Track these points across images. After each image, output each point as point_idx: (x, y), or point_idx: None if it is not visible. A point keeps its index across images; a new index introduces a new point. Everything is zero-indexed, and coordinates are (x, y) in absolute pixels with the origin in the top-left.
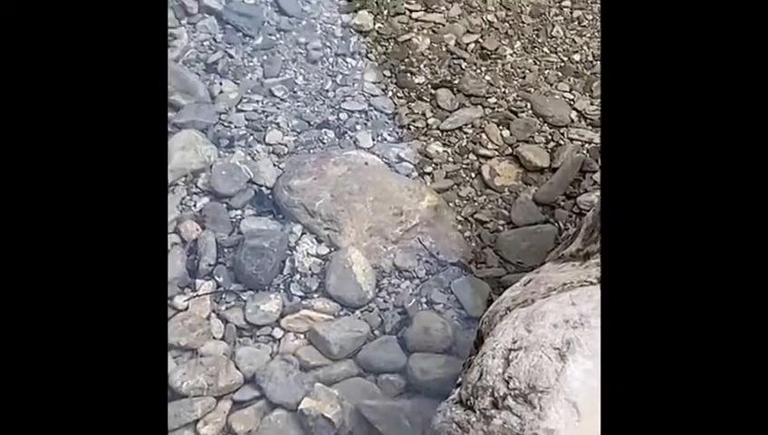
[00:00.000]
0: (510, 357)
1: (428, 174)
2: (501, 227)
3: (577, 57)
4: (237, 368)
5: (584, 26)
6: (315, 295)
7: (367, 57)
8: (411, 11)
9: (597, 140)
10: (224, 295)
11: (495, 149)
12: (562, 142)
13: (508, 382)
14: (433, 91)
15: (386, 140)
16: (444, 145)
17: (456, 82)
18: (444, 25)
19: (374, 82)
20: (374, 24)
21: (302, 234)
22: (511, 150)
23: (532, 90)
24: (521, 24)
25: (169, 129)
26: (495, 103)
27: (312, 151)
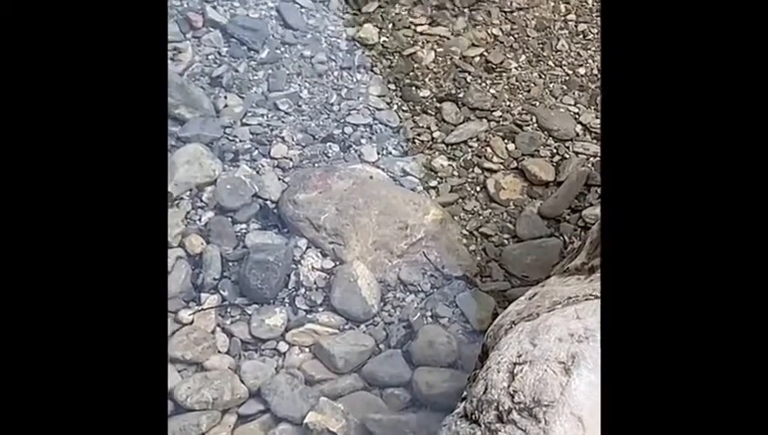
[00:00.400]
0: (515, 371)
1: (433, 188)
2: (506, 241)
3: (582, 71)
4: (242, 382)
5: (589, 40)
6: (320, 309)
7: (372, 71)
8: (416, 24)
9: None
10: (229, 309)
11: (500, 163)
12: (567, 156)
13: (513, 396)
14: (438, 105)
15: (391, 153)
16: (449, 159)
17: (460, 95)
18: (449, 39)
19: (379, 96)
20: (379, 37)
21: (307, 248)
22: (516, 164)
23: (537, 103)
24: (526, 38)
25: (174, 143)
26: (500, 117)
27: (316, 165)
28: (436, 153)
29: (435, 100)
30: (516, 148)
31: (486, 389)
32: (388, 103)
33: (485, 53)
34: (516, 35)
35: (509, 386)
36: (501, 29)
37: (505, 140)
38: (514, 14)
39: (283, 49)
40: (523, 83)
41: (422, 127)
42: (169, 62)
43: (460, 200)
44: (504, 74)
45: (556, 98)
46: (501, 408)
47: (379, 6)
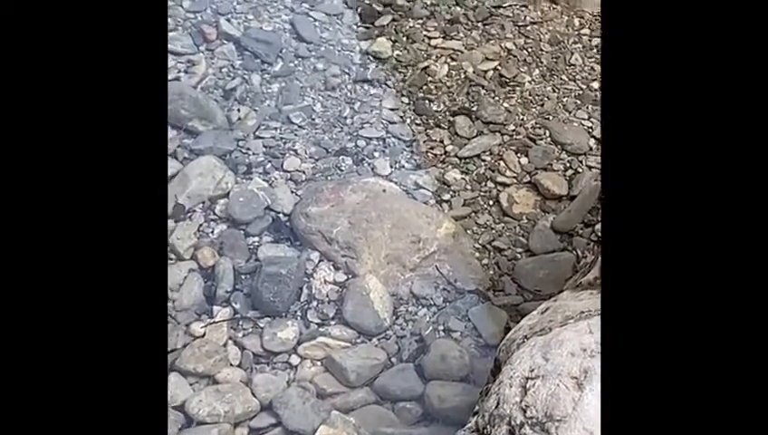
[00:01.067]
0: (527, 386)
1: (446, 201)
2: (519, 255)
3: (595, 85)
4: (254, 395)
5: None
6: (332, 323)
7: (385, 84)
8: (430, 38)
9: None
10: (241, 322)
11: (513, 177)
12: (581, 170)
13: (525, 411)
14: (451, 119)
15: (404, 167)
16: (462, 172)
17: (474, 109)
18: (462, 53)
19: (392, 109)
20: (392, 50)
21: (320, 261)
22: (529, 178)
23: (551, 117)
24: (539, 52)
25: (187, 155)
26: (514, 131)
27: (329, 178)
28: (449, 167)
29: (448, 113)
30: (529, 162)
31: (498, 403)
32: (401, 117)
33: (499, 67)
34: (530, 49)
35: (521, 401)
36: (514, 43)
37: (518, 154)
38: (528, 28)
39: (296, 62)
40: (536, 97)
41: (435, 140)
42: (183, 74)
43: (473, 214)
44: (517, 88)
45: (569, 112)
46: (513, 422)
47: (393, 20)
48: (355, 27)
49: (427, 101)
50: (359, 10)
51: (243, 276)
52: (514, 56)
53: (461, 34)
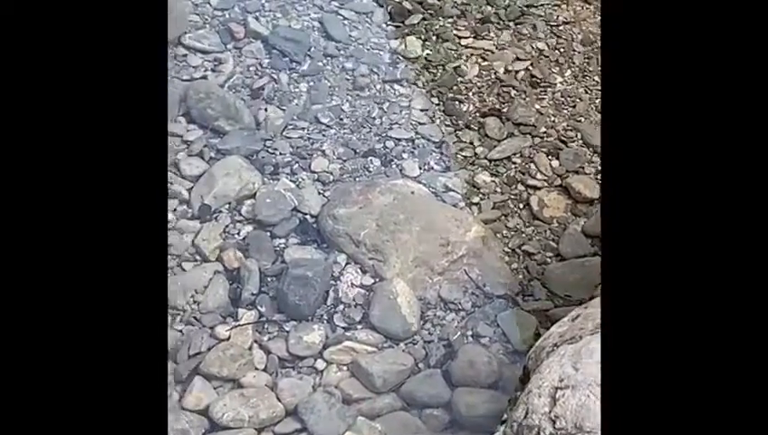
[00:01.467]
0: (556, 396)
1: (476, 204)
2: (549, 260)
3: None
4: (279, 400)
5: None
6: (359, 327)
7: (414, 84)
8: (460, 38)
9: None
10: (266, 325)
11: (544, 180)
12: None
13: (554, 422)
14: (481, 120)
15: (433, 168)
16: (492, 175)
17: (504, 110)
18: (493, 53)
19: (422, 110)
20: (422, 50)
21: (347, 264)
22: (560, 181)
23: (583, 119)
24: (572, 53)
25: (214, 155)
26: (545, 133)
27: (357, 180)
28: (479, 169)
29: (478, 114)
30: (560, 164)
31: (527, 413)
32: (430, 118)
33: (530, 68)
34: (562, 50)
35: (550, 411)
36: (546, 43)
37: (549, 157)
38: (560, 28)
39: (325, 61)
40: (568, 99)
41: (465, 142)
42: (210, 73)
43: (503, 217)
44: (548, 89)
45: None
46: (542, 433)
47: (423, 19)
48: (385, 26)
49: (456, 102)
50: (389, 8)
51: (269, 279)
52: (546, 56)
53: (492, 34)
